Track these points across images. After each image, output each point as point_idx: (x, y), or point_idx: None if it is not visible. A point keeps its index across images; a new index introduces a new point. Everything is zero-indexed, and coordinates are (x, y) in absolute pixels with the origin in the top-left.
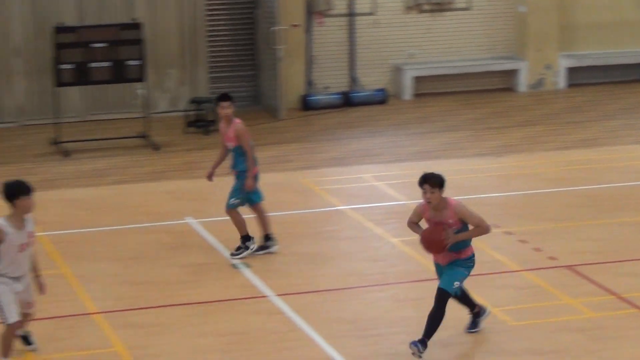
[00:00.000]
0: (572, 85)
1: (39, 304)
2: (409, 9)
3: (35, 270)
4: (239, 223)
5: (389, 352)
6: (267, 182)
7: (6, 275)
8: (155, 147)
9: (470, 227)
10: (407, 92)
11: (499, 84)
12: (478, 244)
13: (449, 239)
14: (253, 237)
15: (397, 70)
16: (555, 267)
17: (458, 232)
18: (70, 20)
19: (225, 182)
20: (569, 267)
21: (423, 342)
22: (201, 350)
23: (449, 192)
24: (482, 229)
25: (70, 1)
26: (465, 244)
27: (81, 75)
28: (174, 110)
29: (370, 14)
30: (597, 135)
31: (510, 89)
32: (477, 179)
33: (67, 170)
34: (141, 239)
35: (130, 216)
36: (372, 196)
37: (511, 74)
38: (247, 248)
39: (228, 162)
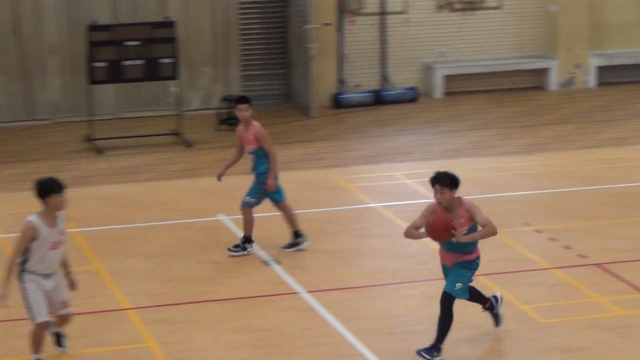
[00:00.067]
0: (602, 84)
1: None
2: (440, 7)
3: (65, 267)
4: (248, 223)
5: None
6: (298, 179)
7: (36, 272)
8: (188, 145)
9: (479, 228)
10: (438, 91)
11: (529, 83)
12: (509, 242)
13: (458, 231)
14: (254, 242)
15: (428, 69)
16: (585, 265)
17: (468, 232)
18: (104, 19)
19: None
20: (598, 265)
21: (435, 347)
22: (232, 347)
23: (478, 190)
24: (491, 228)
25: (104, 0)
26: (474, 244)
27: (114, 73)
28: (206, 108)
29: (401, 12)
30: (627, 134)
31: (540, 88)
32: (506, 177)
33: (100, 167)
34: (173, 235)
35: (162, 213)
36: (403, 194)
37: (541, 72)
38: (244, 249)
39: (243, 163)
